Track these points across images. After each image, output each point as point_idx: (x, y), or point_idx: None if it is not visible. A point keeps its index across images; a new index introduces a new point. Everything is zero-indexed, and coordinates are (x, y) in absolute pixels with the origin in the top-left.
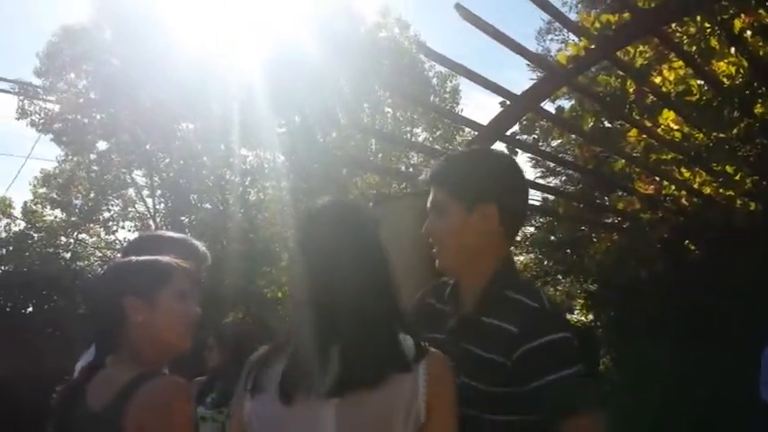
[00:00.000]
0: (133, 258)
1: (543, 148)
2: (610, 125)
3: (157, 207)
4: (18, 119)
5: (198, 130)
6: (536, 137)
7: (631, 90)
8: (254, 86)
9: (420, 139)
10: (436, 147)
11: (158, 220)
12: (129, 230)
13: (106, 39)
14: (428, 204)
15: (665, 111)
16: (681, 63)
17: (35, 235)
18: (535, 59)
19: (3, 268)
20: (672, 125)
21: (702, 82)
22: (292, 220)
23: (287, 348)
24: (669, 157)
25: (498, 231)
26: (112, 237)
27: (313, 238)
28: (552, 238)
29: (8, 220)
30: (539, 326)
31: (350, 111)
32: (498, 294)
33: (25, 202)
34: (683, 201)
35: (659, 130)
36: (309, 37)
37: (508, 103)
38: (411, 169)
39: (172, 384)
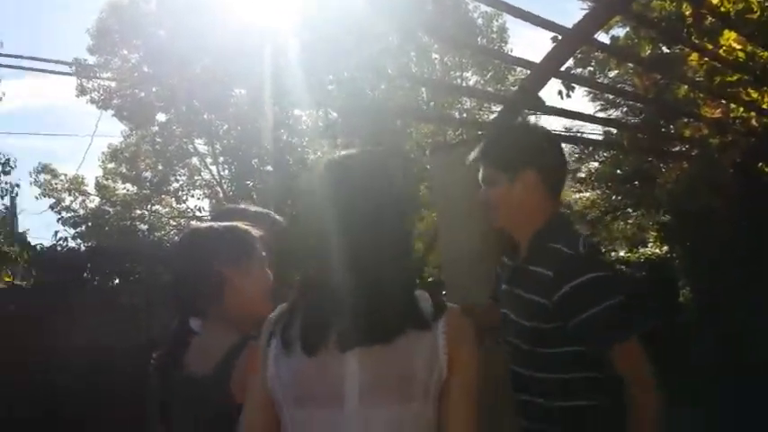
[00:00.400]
0: (220, 226)
1: (600, 81)
2: (668, 51)
3: (222, 174)
4: (78, 96)
5: (250, 95)
6: (592, 69)
7: (688, 13)
8: (302, 45)
9: (471, 82)
10: (488, 89)
11: (224, 186)
12: (198, 198)
13: (152, 11)
14: (480, 179)
15: (726, 31)
16: None
17: (110, 210)
18: None
19: (86, 244)
20: (734, 45)
21: None
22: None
23: (305, 302)
24: (734, 78)
25: (541, 192)
26: (183, 206)
27: (333, 188)
28: (618, 171)
29: (83, 197)
30: (574, 269)
31: (397, 61)
32: (541, 246)
33: (97, 179)
34: (753, 122)
35: (721, 51)
36: None
37: (560, 37)
38: (465, 115)
39: None
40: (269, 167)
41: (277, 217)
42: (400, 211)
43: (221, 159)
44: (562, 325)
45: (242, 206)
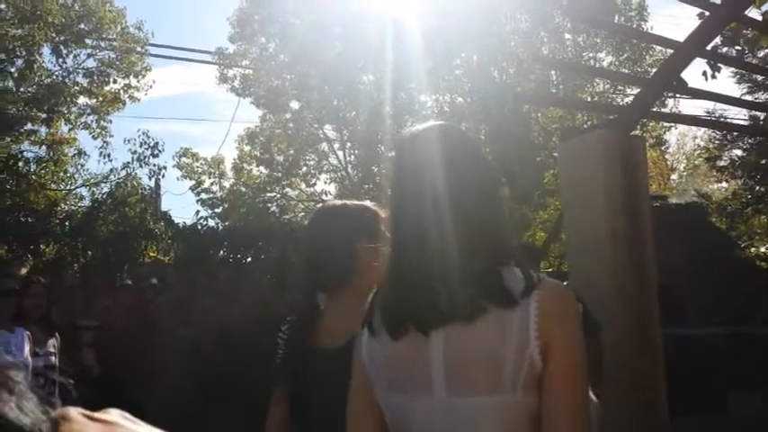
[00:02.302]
0: (353, 204)
1: (749, 61)
2: None
3: (348, 159)
4: (219, 84)
5: (378, 81)
6: (740, 48)
7: None
8: (428, 30)
9: (605, 64)
10: (623, 71)
11: (350, 170)
12: (326, 182)
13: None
14: None
15: None
16: None
17: (245, 191)
18: None
19: (223, 224)
20: None
21: None
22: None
23: (387, 283)
24: None
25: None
26: (311, 189)
27: (409, 161)
28: (764, 160)
29: (221, 179)
30: None
31: (528, 43)
32: None
33: (234, 160)
34: None
35: None
36: None
37: (707, 14)
38: (596, 98)
39: None
40: (393, 153)
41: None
42: (484, 184)
43: (348, 145)
44: None
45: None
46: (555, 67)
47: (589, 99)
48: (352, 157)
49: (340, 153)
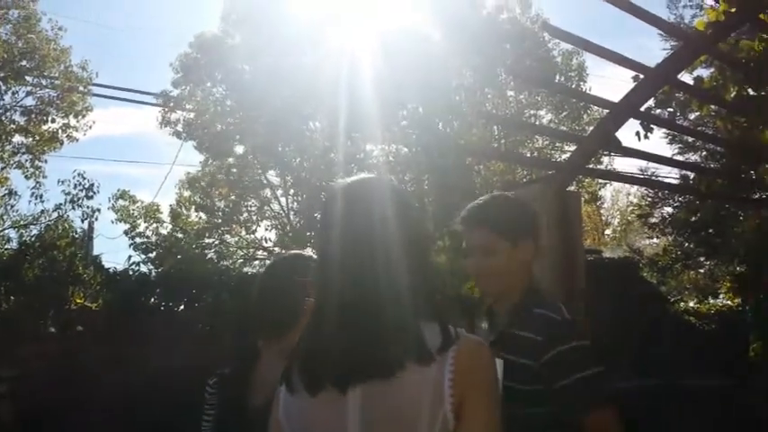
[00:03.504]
0: (306, 254)
1: (681, 123)
2: (755, 93)
3: (291, 206)
4: (161, 127)
5: (325, 129)
6: (672, 110)
7: None
8: (377, 80)
9: (545, 121)
10: (562, 128)
11: (292, 217)
12: (267, 229)
13: (236, 45)
14: (470, 244)
15: None
16: None
17: (182, 237)
18: (668, 28)
19: (156, 270)
20: None
21: None
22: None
23: (307, 337)
24: None
25: (530, 263)
26: (251, 236)
27: (336, 213)
28: (693, 218)
29: (157, 224)
30: (564, 334)
31: (472, 98)
32: (527, 312)
33: (171, 206)
34: None
35: None
36: (430, 24)
37: (641, 77)
38: (536, 153)
39: None
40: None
41: None
42: (410, 238)
43: (291, 191)
44: (545, 387)
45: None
46: (497, 123)
47: (529, 154)
48: (295, 203)
49: (282, 199)
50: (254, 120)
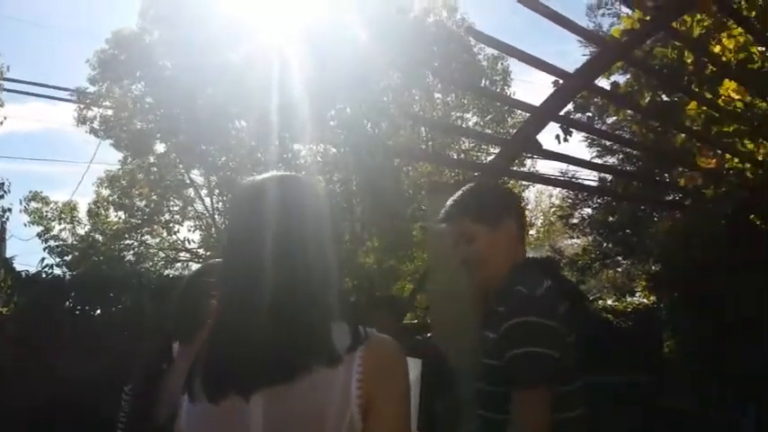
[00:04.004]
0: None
1: (598, 127)
2: (668, 99)
3: (216, 206)
4: (77, 125)
5: (251, 128)
6: (591, 115)
7: (689, 61)
8: (306, 81)
9: (471, 124)
10: (487, 131)
11: (217, 218)
12: (189, 230)
13: (156, 42)
14: (454, 238)
15: (726, 81)
16: (740, 30)
17: (100, 237)
18: (587, 35)
19: (71, 273)
20: (733, 95)
21: (764, 48)
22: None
23: (213, 341)
24: (731, 128)
25: (517, 240)
26: (174, 237)
27: (244, 212)
28: (611, 218)
29: (73, 225)
30: (518, 308)
31: (400, 100)
32: (509, 288)
33: (89, 205)
34: (748, 173)
35: (720, 101)
36: (358, 27)
37: (561, 82)
38: (463, 155)
39: None
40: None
41: None
42: (318, 238)
43: (216, 191)
44: (499, 362)
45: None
46: (425, 125)
47: (456, 156)
48: (220, 204)
49: (207, 200)
50: (176, 118)
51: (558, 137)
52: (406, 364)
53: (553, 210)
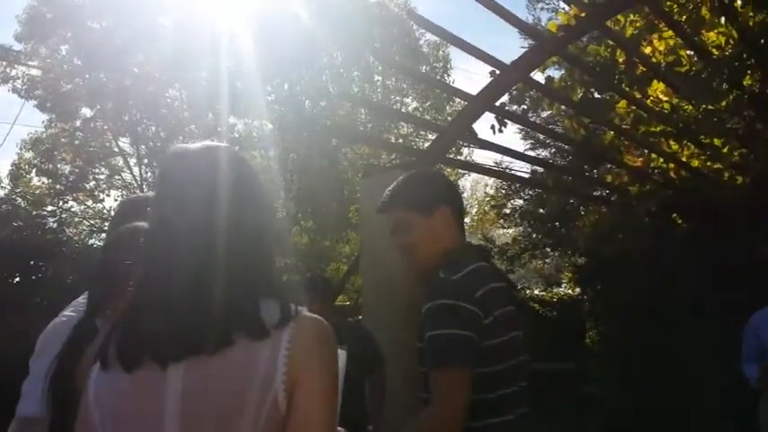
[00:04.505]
0: (128, 226)
1: (533, 120)
2: (599, 96)
3: (144, 176)
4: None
5: (185, 99)
6: (526, 108)
7: (621, 60)
8: (243, 53)
9: (410, 109)
10: (426, 117)
11: (145, 188)
12: (116, 199)
13: (87, 3)
14: (392, 227)
15: (655, 82)
16: (671, 33)
17: (21, 201)
18: (526, 28)
19: None
20: (661, 96)
21: (692, 53)
22: (280, 191)
23: (132, 310)
24: (658, 128)
25: (454, 226)
26: (100, 205)
27: (172, 181)
28: (541, 210)
29: None
30: (432, 293)
31: (340, 80)
32: (434, 274)
33: (11, 167)
34: (671, 174)
35: (648, 101)
36: (300, 3)
37: (498, 72)
38: (401, 140)
39: None
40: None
41: None
42: (250, 211)
43: (145, 161)
44: (421, 345)
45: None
46: (364, 106)
47: (393, 140)
48: (149, 174)
49: (135, 169)
50: (104, 83)
51: (492, 127)
52: (336, 346)
53: (487, 199)
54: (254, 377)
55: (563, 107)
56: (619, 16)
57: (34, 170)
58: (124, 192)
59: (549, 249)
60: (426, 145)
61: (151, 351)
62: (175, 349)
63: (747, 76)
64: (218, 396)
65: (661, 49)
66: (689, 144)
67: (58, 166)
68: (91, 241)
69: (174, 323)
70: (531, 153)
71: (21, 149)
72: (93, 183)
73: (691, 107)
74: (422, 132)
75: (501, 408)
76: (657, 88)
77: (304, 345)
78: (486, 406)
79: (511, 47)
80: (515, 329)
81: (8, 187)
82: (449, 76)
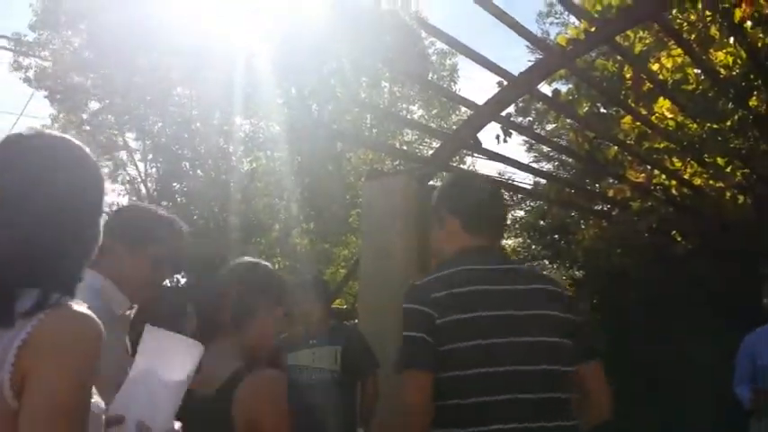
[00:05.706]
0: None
1: (538, 132)
2: (605, 111)
3: (149, 171)
4: (12, 71)
5: (194, 97)
6: (531, 119)
7: (628, 76)
8: (255, 55)
9: (416, 116)
10: (431, 125)
11: (149, 184)
12: (120, 194)
13: None
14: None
15: (661, 99)
16: (679, 51)
17: None
18: (535, 41)
19: None
20: (666, 114)
21: (699, 71)
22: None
23: None
24: (662, 145)
25: (460, 235)
26: None
27: None
28: (541, 222)
29: None
30: (404, 297)
31: (348, 84)
32: None
33: None
34: (673, 191)
35: (653, 118)
36: (315, 7)
37: (505, 83)
38: (405, 147)
39: None
40: (199, 172)
41: (182, 225)
42: (52, 201)
43: (150, 157)
44: None
45: (153, 207)
46: (370, 112)
47: (398, 146)
48: (154, 170)
49: (141, 165)
50: (115, 77)
51: (497, 137)
52: (89, 346)
53: None
54: None
55: (568, 120)
56: (628, 32)
57: None
58: (128, 186)
59: (547, 262)
60: (430, 153)
61: None
62: None
63: (753, 97)
64: None
65: (669, 66)
66: (692, 162)
67: None
68: None
69: None
70: (535, 165)
71: None
72: None
73: (695, 125)
74: (426, 140)
75: (481, 417)
76: (663, 105)
77: (44, 339)
78: (454, 413)
79: (520, 59)
80: (516, 335)
81: None
82: (455, 84)
